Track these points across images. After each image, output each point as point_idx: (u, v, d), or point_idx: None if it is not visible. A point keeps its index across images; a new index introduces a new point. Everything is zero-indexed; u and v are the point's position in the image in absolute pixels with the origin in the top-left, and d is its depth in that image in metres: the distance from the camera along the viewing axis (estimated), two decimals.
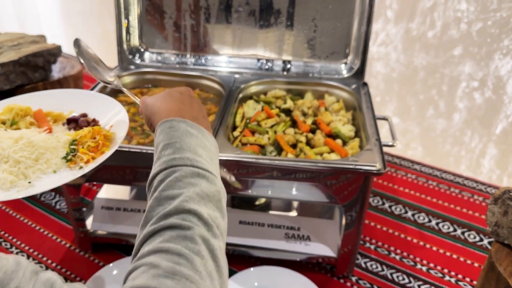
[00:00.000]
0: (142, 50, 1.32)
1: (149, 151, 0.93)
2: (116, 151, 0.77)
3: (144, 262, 0.48)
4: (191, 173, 0.56)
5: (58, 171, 0.75)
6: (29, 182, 0.71)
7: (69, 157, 0.76)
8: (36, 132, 0.80)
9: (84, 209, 1.07)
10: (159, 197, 0.54)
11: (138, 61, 1.31)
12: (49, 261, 1.09)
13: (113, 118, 0.85)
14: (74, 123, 0.85)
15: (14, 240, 1.15)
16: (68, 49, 1.66)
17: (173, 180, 0.55)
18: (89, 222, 1.09)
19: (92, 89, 1.11)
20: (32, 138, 0.76)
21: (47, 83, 1.27)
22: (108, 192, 1.20)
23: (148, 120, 0.68)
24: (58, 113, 0.87)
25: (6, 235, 1.16)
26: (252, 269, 1.03)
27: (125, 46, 1.29)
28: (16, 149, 0.74)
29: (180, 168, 0.56)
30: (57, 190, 1.31)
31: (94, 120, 0.85)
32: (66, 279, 1.05)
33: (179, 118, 0.62)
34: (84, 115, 0.87)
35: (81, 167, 0.74)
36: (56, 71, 1.33)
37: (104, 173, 0.99)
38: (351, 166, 0.89)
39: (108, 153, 0.76)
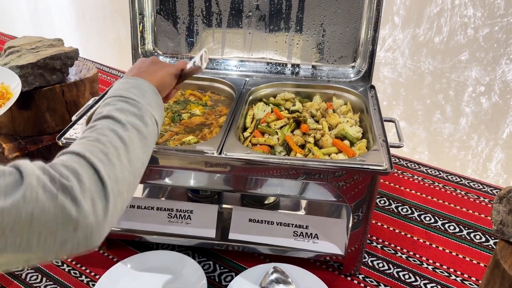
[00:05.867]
0: (156, 54, 1.37)
1: (163, 150, 0.97)
2: None
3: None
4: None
5: None
6: None
7: None
8: None
9: None
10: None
11: None
12: (65, 257, 1.12)
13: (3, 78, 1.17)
14: None
15: None
16: (84, 53, 1.71)
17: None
18: None
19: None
20: None
21: (64, 85, 1.32)
22: None
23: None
24: None
25: None
26: (261, 266, 1.05)
27: (139, 50, 1.34)
28: None
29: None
30: None
31: None
32: (82, 274, 1.08)
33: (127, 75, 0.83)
34: None
35: None
36: (73, 74, 1.38)
37: None
38: (358, 166, 0.92)
39: (14, 97, 1.09)
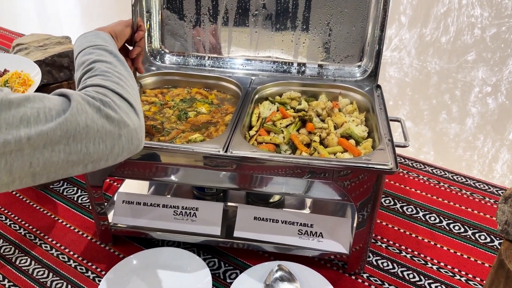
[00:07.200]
0: (162, 52, 1.37)
1: (169, 148, 0.98)
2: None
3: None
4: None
5: None
6: None
7: None
8: None
9: (106, 203, 1.12)
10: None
11: (158, 62, 1.36)
12: (71, 253, 1.14)
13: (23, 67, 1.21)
14: None
15: (38, 232, 1.20)
16: None
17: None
18: (110, 216, 1.13)
19: None
20: None
21: (71, 83, 1.33)
22: (129, 187, 1.24)
23: None
24: None
25: (31, 227, 1.22)
26: (266, 264, 1.06)
27: (146, 48, 1.34)
28: None
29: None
30: (79, 185, 1.36)
31: (5, 70, 1.19)
32: (88, 269, 1.09)
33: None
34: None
35: None
36: None
37: (126, 169, 1.03)
38: (364, 165, 0.92)
39: (36, 84, 1.12)
